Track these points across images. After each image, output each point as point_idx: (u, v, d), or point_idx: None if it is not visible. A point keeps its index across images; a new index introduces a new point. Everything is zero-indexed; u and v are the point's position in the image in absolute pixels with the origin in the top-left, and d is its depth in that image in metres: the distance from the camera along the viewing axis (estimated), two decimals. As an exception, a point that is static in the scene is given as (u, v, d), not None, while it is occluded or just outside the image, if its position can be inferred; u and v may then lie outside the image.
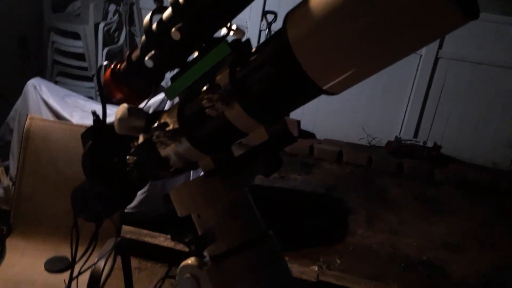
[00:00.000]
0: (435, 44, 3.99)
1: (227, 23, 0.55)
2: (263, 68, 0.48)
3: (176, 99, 0.62)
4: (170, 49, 0.56)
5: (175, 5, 0.52)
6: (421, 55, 4.10)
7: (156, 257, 2.52)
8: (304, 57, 0.43)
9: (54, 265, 1.83)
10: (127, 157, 0.66)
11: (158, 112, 0.64)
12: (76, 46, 3.93)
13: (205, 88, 0.50)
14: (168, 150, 0.59)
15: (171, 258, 2.49)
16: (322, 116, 4.37)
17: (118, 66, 0.66)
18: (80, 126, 2.14)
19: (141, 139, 0.64)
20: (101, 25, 4.01)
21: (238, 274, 0.57)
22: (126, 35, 4.40)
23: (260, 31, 4.43)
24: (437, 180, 3.89)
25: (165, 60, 0.56)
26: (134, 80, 0.64)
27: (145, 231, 2.54)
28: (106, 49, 4.05)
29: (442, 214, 3.41)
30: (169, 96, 0.59)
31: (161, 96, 2.55)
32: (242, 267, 0.57)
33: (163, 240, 2.50)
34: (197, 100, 0.55)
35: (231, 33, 0.57)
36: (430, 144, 4.14)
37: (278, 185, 3.51)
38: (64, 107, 2.66)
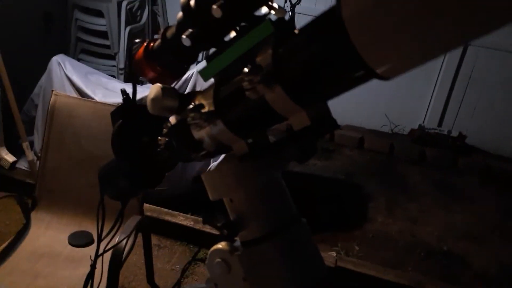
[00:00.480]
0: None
1: (269, 1, 0.52)
2: (310, 49, 0.45)
3: (210, 81, 0.60)
4: (208, 27, 0.54)
5: None
6: (449, 41, 3.97)
7: (175, 235, 2.55)
8: (359, 37, 0.39)
9: (78, 240, 1.87)
10: (159, 138, 0.64)
11: (191, 92, 0.62)
12: (99, 24, 3.93)
13: (245, 69, 0.47)
14: (201, 133, 0.57)
15: (189, 236, 2.52)
16: (344, 102, 4.27)
17: (151, 44, 0.64)
18: (103, 104, 2.15)
19: (173, 120, 0.62)
20: (124, 3, 4.00)
21: (270, 260, 0.56)
22: (148, 14, 4.38)
23: (284, 12, 4.35)
24: (460, 169, 3.81)
25: (203, 38, 0.54)
26: (168, 59, 0.62)
27: (165, 210, 2.56)
28: (128, 28, 4.05)
29: (464, 203, 3.35)
30: (204, 76, 0.57)
31: (184, 76, 2.54)
32: (275, 253, 0.56)
33: (182, 219, 2.52)
34: (234, 81, 0.53)
35: (272, 12, 0.54)
36: (454, 134, 4.04)
37: (297, 169, 3.49)
38: (87, 85, 2.68)
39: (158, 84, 0.60)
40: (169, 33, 0.60)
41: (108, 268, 1.49)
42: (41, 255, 1.76)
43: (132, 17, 4.20)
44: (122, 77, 4.06)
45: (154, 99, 0.59)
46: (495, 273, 2.62)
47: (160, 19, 4.56)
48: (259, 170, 0.57)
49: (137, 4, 4.25)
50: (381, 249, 2.70)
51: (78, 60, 3.84)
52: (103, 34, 3.94)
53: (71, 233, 1.87)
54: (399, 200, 3.26)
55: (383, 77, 0.42)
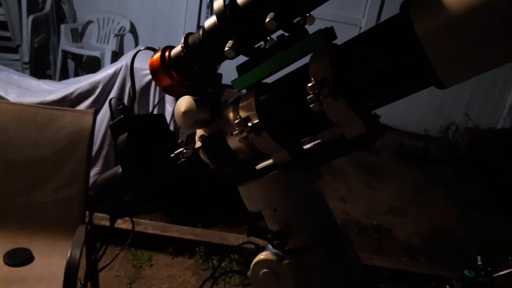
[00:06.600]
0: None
1: (313, 9, 0.51)
2: (380, 63, 0.44)
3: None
4: (248, 37, 0.51)
5: None
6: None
7: (114, 240, 2.41)
8: (435, 54, 0.39)
9: (15, 258, 1.68)
10: (182, 149, 0.60)
11: (218, 103, 0.59)
12: (-5, 13, 3.51)
13: (310, 84, 0.45)
14: (239, 143, 0.54)
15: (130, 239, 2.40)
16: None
17: (167, 51, 0.59)
18: (19, 105, 1.93)
19: (200, 132, 0.58)
20: (24, -11, 3.61)
21: (321, 265, 0.56)
22: (52, 1, 4.00)
23: None
24: (376, 147, 4.12)
25: (243, 48, 0.51)
26: (190, 67, 0.57)
27: (100, 215, 2.40)
28: (31, 17, 3.67)
29: (383, 180, 3.63)
30: (238, 87, 0.54)
31: (111, 70, 2.38)
32: (323, 258, 0.56)
33: (121, 222, 2.39)
34: (284, 92, 0.52)
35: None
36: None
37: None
38: (-4, 83, 2.39)
39: (188, 96, 0.56)
40: (192, 40, 0.56)
41: (63, 285, 1.36)
42: (-27, 282, 1.55)
43: (33, 5, 3.81)
44: (28, 71, 3.68)
45: (188, 112, 0.55)
46: (416, 241, 2.90)
47: (65, 6, 4.19)
48: (305, 178, 0.56)
49: (38, -10, 3.86)
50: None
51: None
52: (2, 25, 3.53)
53: (6, 251, 1.67)
54: (328, 182, 3.43)
55: (443, 87, 0.43)
